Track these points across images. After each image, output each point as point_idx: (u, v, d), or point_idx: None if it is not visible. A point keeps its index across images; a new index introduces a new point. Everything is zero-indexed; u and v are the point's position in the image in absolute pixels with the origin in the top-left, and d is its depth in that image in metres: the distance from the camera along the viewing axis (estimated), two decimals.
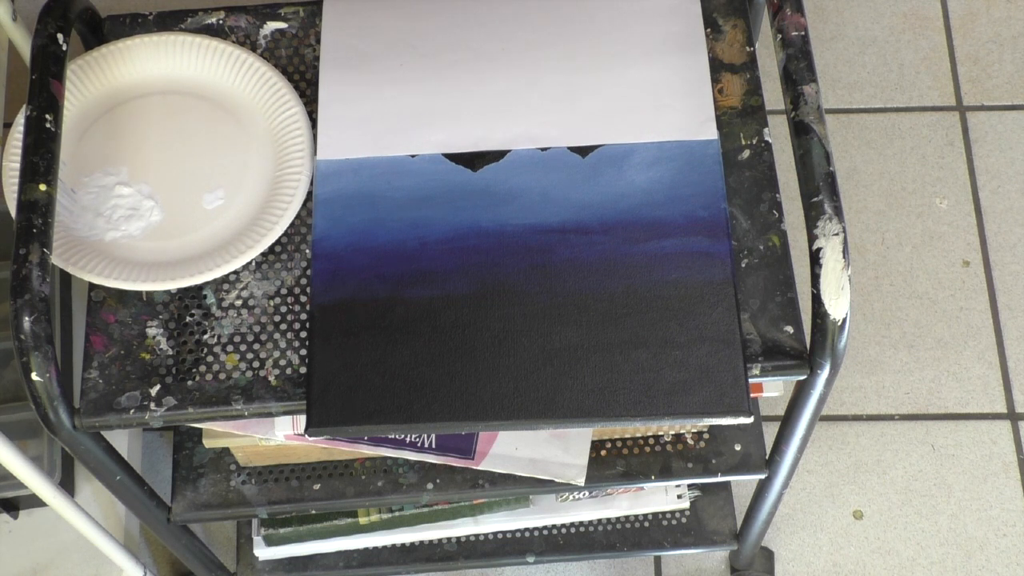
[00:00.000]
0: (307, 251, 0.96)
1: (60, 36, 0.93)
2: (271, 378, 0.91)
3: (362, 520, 1.25)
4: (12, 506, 1.32)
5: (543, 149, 0.97)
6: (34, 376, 0.84)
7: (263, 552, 1.27)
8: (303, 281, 0.95)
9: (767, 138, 0.99)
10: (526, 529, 1.31)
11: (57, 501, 1.09)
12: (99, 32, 1.04)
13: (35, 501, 1.31)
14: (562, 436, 1.10)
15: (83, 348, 0.93)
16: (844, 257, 0.84)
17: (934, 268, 1.59)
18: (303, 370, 0.92)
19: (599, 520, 1.31)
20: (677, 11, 1.03)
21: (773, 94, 1.15)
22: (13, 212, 0.87)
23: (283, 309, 0.94)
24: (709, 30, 1.03)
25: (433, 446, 1.09)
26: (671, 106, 0.98)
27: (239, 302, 0.94)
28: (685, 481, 1.14)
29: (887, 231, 1.62)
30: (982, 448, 1.48)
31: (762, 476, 1.13)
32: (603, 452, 1.13)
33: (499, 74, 1.01)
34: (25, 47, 1.20)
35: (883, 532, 1.44)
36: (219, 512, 1.12)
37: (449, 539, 1.31)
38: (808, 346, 0.89)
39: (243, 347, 0.93)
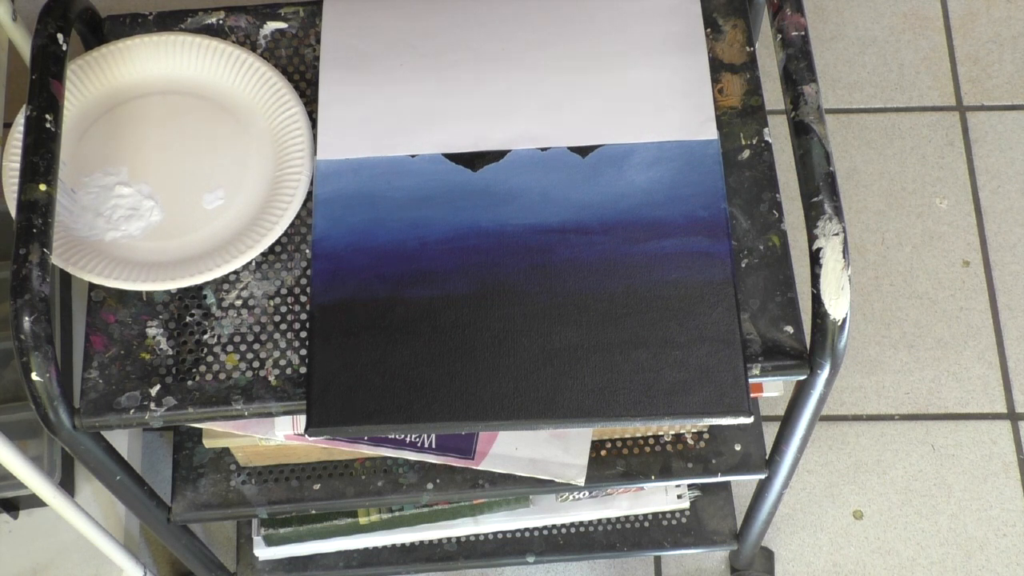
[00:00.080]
0: (307, 251, 0.95)
1: (60, 36, 0.93)
2: (271, 378, 0.91)
3: (362, 520, 1.25)
4: (12, 506, 1.32)
5: (543, 149, 0.97)
6: (34, 376, 0.84)
7: (263, 552, 1.27)
8: (303, 281, 0.95)
9: (767, 138, 0.99)
10: (526, 529, 1.31)
11: (57, 501, 1.09)
12: (99, 32, 1.04)
13: (35, 501, 1.31)
14: (562, 436, 1.10)
15: (83, 348, 0.93)
16: (844, 257, 0.84)
17: (934, 268, 1.59)
18: (303, 370, 0.92)
19: (599, 520, 1.31)
20: (677, 11, 1.03)
21: (773, 94, 1.15)
22: (13, 212, 0.87)
23: (283, 309, 0.94)
24: (709, 30, 1.03)
25: (433, 446, 1.09)
26: (671, 106, 0.98)
27: (239, 302, 0.94)
28: (685, 481, 1.14)
29: (887, 231, 1.61)
30: (982, 448, 1.48)
31: (762, 476, 1.13)
32: (603, 452, 1.13)
33: (499, 74, 1.00)
34: (25, 47, 1.19)
35: (883, 532, 1.44)
36: (219, 512, 1.12)
37: (449, 539, 1.31)
38: (808, 346, 0.89)
39: (243, 347, 0.92)
